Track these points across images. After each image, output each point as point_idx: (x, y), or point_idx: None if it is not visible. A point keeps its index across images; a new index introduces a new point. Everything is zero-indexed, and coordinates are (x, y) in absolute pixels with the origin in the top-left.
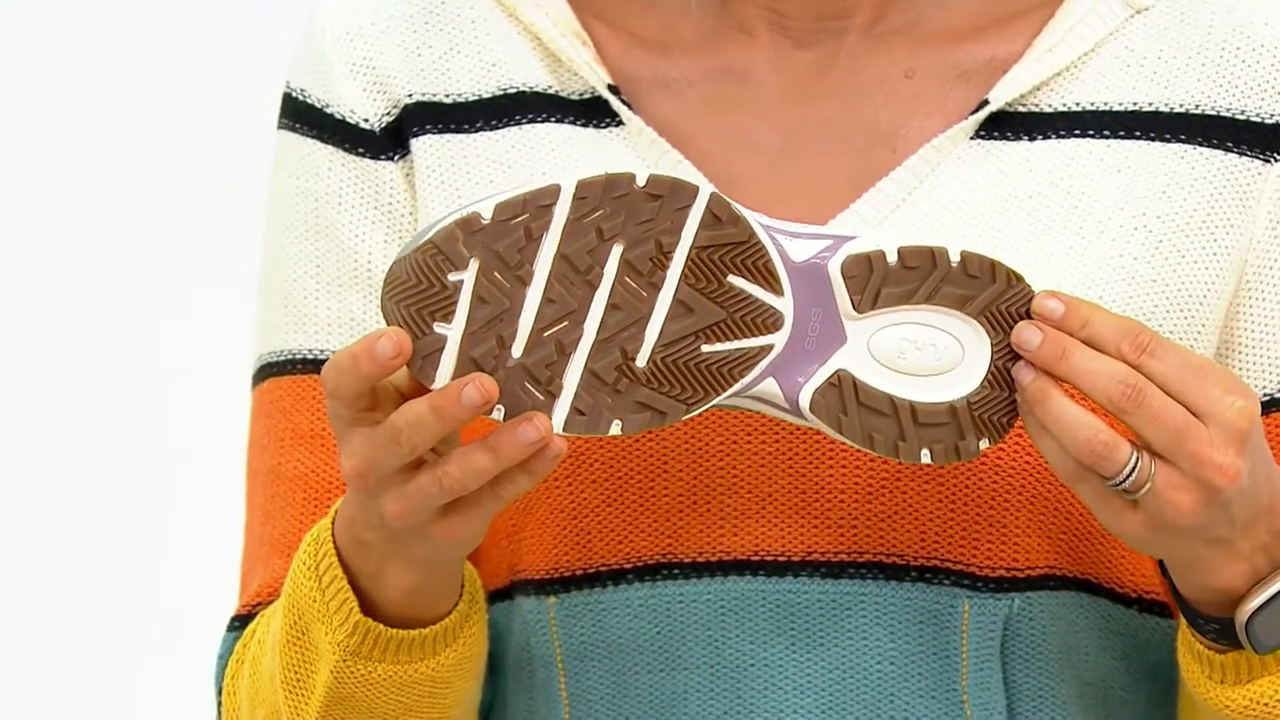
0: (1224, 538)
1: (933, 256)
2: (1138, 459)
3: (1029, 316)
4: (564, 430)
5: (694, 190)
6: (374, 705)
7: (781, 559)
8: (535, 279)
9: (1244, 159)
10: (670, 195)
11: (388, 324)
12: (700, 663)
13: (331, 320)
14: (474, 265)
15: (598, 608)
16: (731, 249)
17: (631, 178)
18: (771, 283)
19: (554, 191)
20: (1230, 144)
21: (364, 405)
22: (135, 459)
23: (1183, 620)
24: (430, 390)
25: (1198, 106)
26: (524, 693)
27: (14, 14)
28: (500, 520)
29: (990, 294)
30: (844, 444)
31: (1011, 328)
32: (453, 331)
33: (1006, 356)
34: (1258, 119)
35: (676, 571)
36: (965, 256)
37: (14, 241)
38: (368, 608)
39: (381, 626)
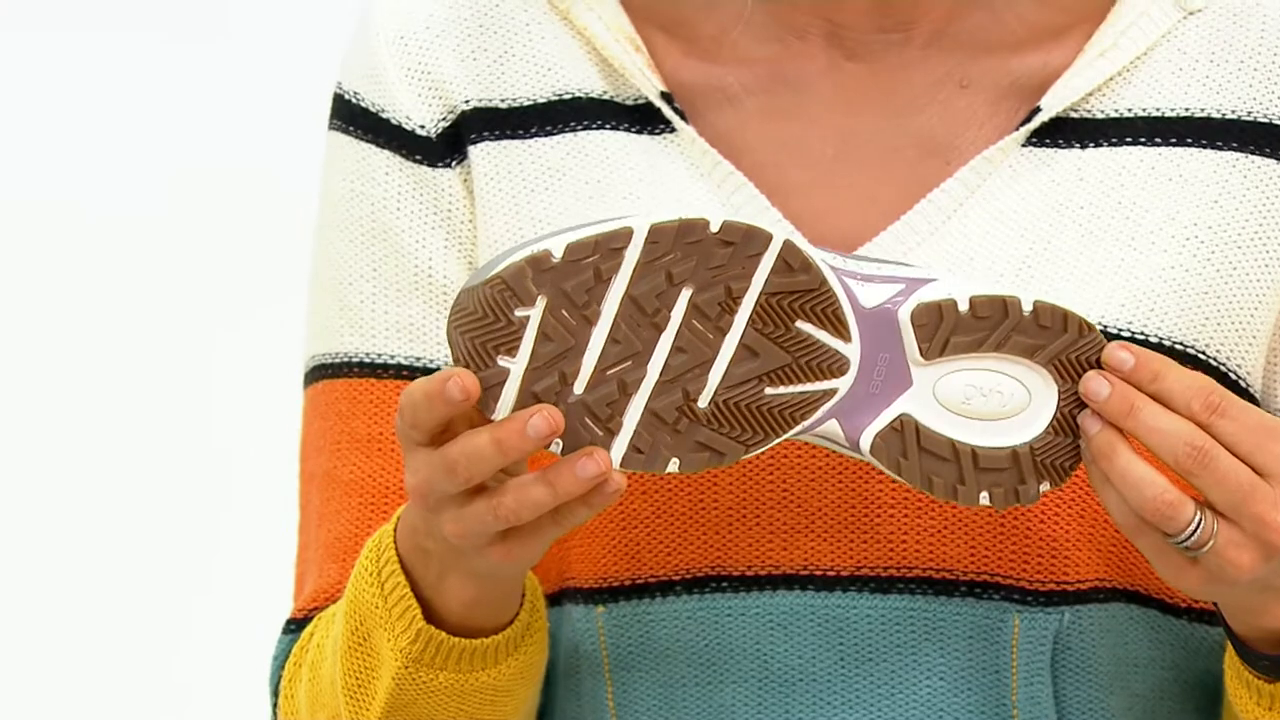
0: (1278, 586)
1: (1005, 307)
2: (1201, 518)
3: (1099, 366)
4: (620, 467)
5: (768, 238)
6: (435, 712)
7: (830, 574)
8: (602, 319)
9: None
10: (743, 242)
11: (452, 352)
12: (749, 676)
13: (390, 325)
14: (541, 303)
15: (646, 618)
16: (801, 296)
17: (706, 224)
18: (840, 329)
19: (626, 235)
20: None
21: (439, 431)
22: (134, 458)
23: (1232, 648)
24: (490, 421)
25: (1249, 113)
26: (571, 700)
27: (14, 13)
28: None
29: (1061, 344)
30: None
31: (1080, 377)
32: (516, 365)
33: (1073, 404)
34: None
35: (725, 585)
36: (1038, 307)
37: (15, 241)
38: (430, 615)
39: (444, 635)
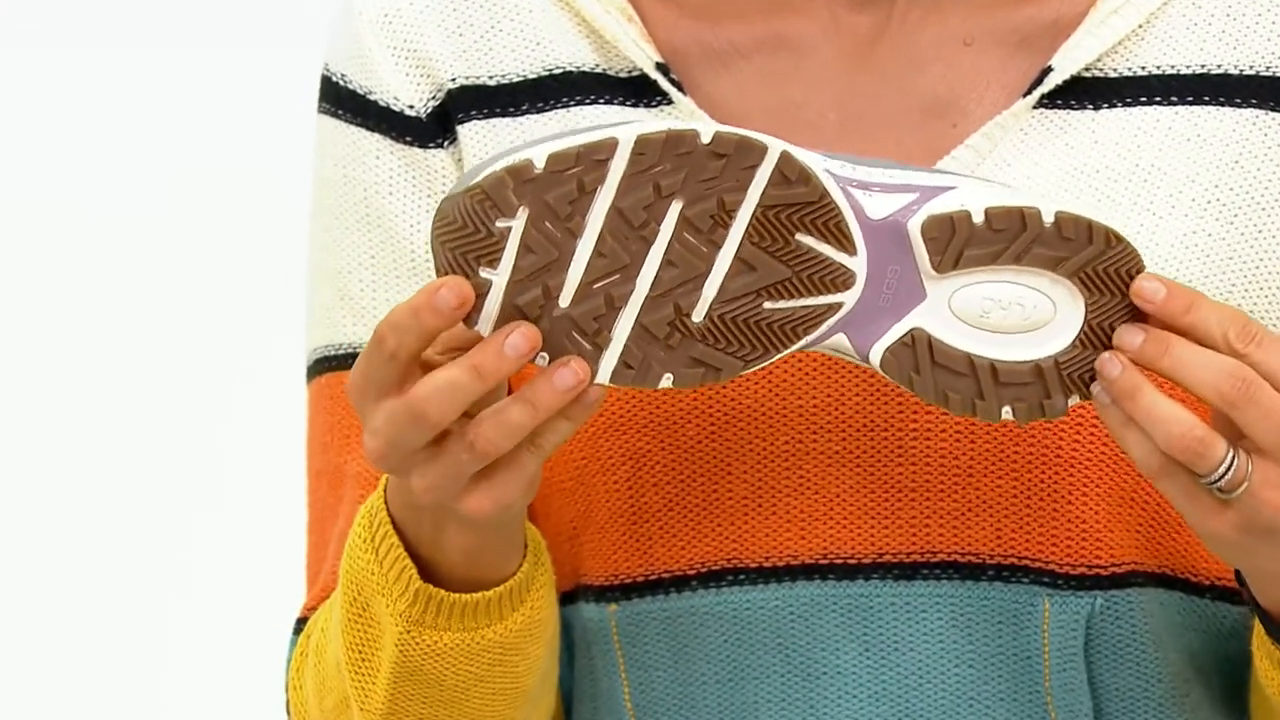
0: None
1: (1023, 218)
2: (1234, 456)
3: (1129, 277)
4: (610, 382)
5: (763, 149)
6: (443, 677)
7: (852, 561)
8: (586, 232)
9: None
10: (736, 154)
11: (435, 262)
12: (770, 672)
13: None
14: (523, 214)
15: (661, 615)
16: (800, 208)
17: (695, 135)
18: (844, 242)
19: (610, 146)
20: None
21: (405, 373)
22: (134, 457)
23: (1258, 624)
24: (475, 333)
25: (1268, 69)
26: (588, 702)
27: (14, 15)
28: (560, 523)
29: (1086, 255)
30: (915, 434)
31: (1109, 287)
32: (498, 277)
33: (1103, 316)
34: None
35: (743, 577)
36: (1060, 218)
37: (15, 241)
38: (430, 576)
39: (443, 592)
